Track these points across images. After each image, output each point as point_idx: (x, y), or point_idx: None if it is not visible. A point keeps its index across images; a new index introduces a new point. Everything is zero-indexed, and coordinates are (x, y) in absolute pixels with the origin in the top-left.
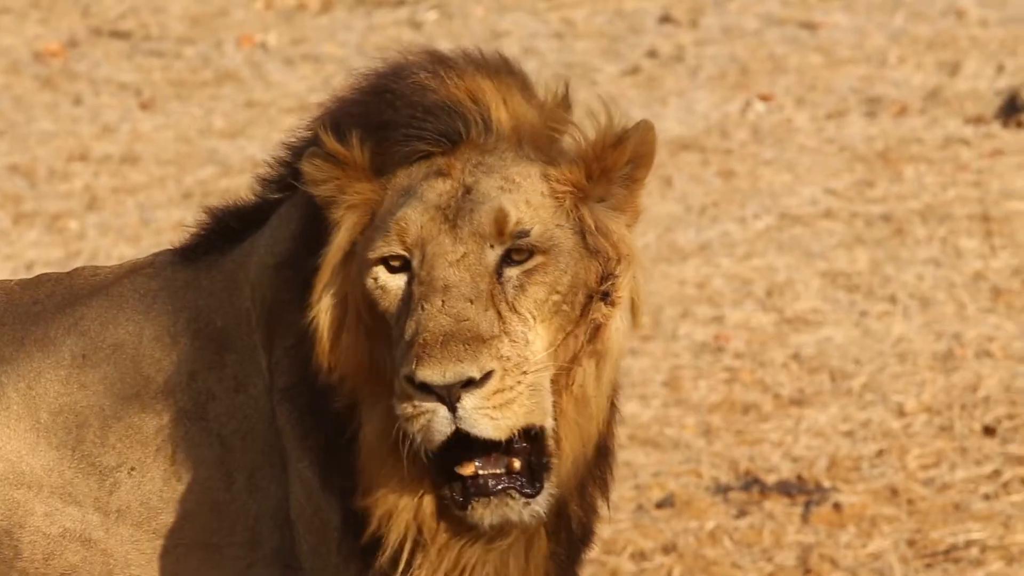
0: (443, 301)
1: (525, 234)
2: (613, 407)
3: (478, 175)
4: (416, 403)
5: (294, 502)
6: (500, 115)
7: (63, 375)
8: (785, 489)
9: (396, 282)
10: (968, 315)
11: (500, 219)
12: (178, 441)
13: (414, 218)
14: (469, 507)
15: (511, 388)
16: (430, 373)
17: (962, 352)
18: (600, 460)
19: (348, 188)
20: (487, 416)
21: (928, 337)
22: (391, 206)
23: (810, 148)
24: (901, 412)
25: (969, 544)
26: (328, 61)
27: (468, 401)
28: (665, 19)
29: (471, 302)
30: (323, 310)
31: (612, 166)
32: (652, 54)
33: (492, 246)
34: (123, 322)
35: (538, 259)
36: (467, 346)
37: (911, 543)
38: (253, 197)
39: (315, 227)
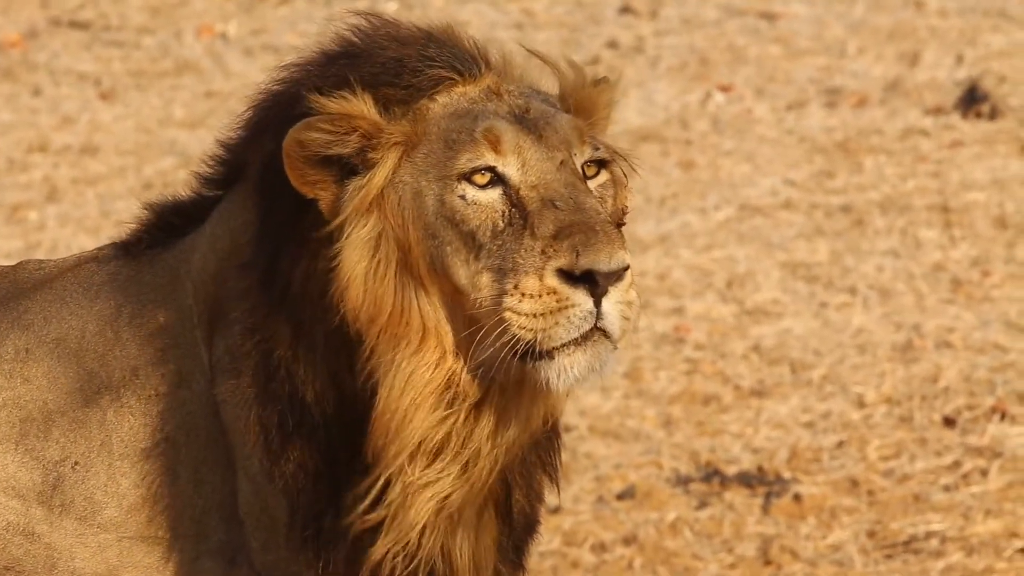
0: (573, 199)
1: (597, 147)
2: None
3: (521, 97)
4: (563, 297)
5: (242, 499)
6: (489, 57)
7: (6, 369)
8: (745, 480)
9: (489, 195)
10: (928, 306)
11: (578, 127)
12: (121, 436)
13: (503, 127)
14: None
15: (632, 287)
16: (597, 258)
17: (922, 343)
18: (548, 444)
19: (380, 132)
20: (621, 315)
21: (888, 328)
22: (446, 129)
23: (770, 139)
24: (861, 403)
25: (929, 535)
26: (288, 51)
27: (614, 294)
28: (625, 10)
29: (594, 199)
30: (354, 245)
31: (598, 103)
32: (612, 45)
33: (575, 155)
34: (67, 316)
35: (604, 174)
36: (617, 235)
37: (871, 534)
38: (192, 194)
39: (260, 223)
